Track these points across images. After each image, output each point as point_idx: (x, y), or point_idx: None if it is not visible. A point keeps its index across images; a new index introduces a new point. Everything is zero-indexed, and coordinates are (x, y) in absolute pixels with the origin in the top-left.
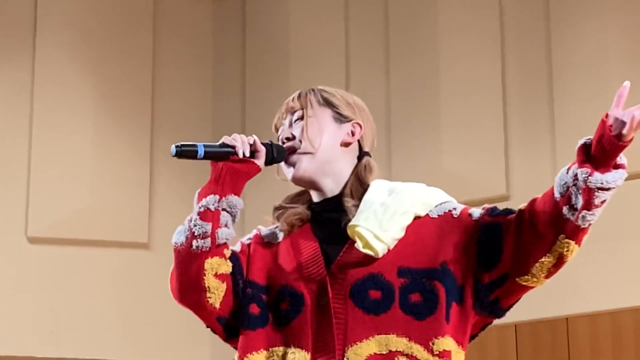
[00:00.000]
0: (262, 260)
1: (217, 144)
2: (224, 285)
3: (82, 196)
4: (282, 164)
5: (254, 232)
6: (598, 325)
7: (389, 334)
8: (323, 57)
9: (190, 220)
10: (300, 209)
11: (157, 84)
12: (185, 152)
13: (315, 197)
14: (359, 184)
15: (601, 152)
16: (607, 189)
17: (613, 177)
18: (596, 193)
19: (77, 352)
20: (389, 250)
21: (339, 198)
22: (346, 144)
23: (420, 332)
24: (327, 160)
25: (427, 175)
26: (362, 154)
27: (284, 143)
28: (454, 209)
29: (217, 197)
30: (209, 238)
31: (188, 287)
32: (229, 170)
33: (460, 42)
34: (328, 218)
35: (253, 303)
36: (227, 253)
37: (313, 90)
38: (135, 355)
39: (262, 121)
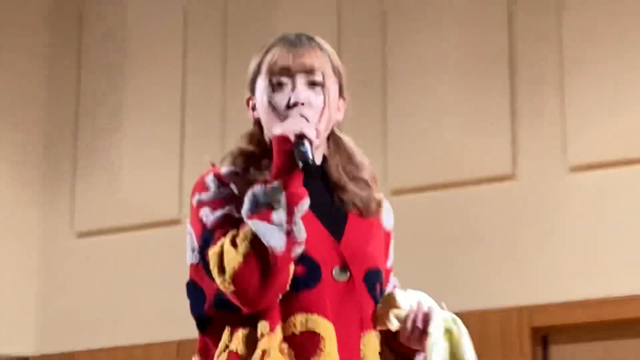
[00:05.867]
0: None
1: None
2: None
3: None
4: (289, 112)
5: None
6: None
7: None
8: (160, 54)
9: (289, 223)
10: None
11: None
12: None
13: None
14: (346, 159)
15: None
16: None
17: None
18: None
19: None
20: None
21: (322, 165)
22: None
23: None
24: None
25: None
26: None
27: (294, 105)
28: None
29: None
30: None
31: (280, 290)
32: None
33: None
34: (313, 185)
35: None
36: None
37: (321, 46)
38: None
39: (97, 119)
